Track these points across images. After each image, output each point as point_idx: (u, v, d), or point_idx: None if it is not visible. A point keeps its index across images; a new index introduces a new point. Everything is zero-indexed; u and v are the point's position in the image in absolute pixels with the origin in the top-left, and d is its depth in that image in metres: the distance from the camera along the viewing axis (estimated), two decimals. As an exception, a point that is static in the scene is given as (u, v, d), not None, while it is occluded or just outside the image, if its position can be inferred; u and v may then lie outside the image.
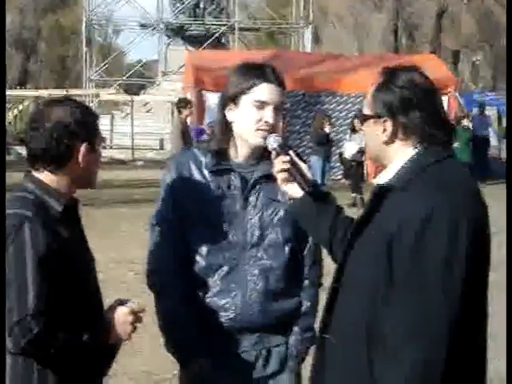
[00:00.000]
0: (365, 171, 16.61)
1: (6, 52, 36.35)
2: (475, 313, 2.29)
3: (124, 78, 34.52)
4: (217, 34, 31.79)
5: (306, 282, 3.03)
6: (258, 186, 2.94)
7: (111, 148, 25.79)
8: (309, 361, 2.61)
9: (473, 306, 2.26)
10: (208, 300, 2.93)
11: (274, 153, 2.73)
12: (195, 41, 31.16)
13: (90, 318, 2.59)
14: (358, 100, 17.84)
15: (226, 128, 2.92)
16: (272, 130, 2.83)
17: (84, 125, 2.62)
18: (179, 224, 2.94)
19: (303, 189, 2.66)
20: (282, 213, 2.93)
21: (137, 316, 2.64)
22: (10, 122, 30.43)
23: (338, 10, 43.78)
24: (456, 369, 2.21)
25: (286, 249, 2.96)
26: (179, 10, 32.65)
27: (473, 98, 27.03)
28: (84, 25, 32.74)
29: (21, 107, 30.59)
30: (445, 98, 17.88)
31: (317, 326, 2.67)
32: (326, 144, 15.53)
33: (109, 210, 14.02)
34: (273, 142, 2.75)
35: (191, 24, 32.65)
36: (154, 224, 3.00)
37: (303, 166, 2.70)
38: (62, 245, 2.55)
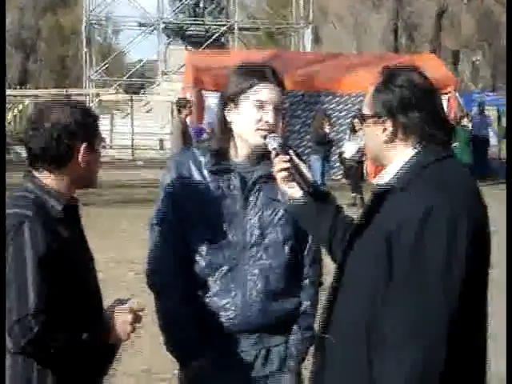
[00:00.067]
0: (364, 171, 16.61)
1: (6, 52, 36.34)
2: (475, 312, 2.29)
3: (124, 78, 34.52)
4: (217, 34, 31.78)
5: (306, 282, 3.03)
6: (257, 186, 2.94)
7: (111, 148, 25.79)
8: (309, 360, 2.61)
9: (472, 306, 2.26)
10: (208, 300, 2.93)
11: (273, 152, 2.73)
12: (195, 41, 31.16)
13: (89, 318, 2.59)
14: (358, 100, 17.83)
15: (225, 128, 2.93)
16: (272, 129, 2.83)
17: (84, 125, 2.62)
18: (179, 224, 2.94)
19: (303, 188, 2.66)
20: (281, 212, 2.93)
21: (136, 316, 2.64)
22: (9, 122, 30.42)
23: (337, 9, 43.77)
24: (456, 369, 2.21)
25: (286, 248, 2.96)
26: (179, 10, 32.65)
27: (472, 98, 27.02)
28: (84, 24, 32.74)
29: (21, 107, 30.58)
30: (445, 98, 17.89)
31: (316, 325, 2.68)
32: (325, 144, 15.53)
33: (109, 209, 14.02)
34: (272, 141, 2.76)
35: (191, 24, 32.64)
36: (153, 224, 3.00)
37: (303, 165, 2.71)
38: (61, 244, 2.55)
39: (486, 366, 2.37)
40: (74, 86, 36.52)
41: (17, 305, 2.43)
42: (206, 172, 2.94)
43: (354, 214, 2.69)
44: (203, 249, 2.92)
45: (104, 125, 24.35)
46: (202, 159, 2.95)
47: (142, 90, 33.82)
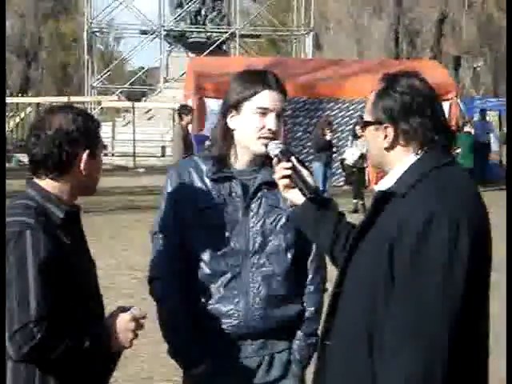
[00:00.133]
0: (366, 177, 16.62)
1: (7, 59, 36.38)
2: (476, 313, 2.29)
3: (126, 85, 34.56)
4: (218, 41, 31.82)
5: (310, 288, 3.02)
6: (259, 193, 2.94)
7: (113, 155, 25.81)
8: (313, 366, 2.61)
9: (474, 307, 2.26)
10: (210, 307, 2.93)
11: (275, 159, 2.73)
12: (196, 48, 31.17)
13: (91, 325, 2.59)
14: (360, 106, 17.86)
15: (227, 135, 2.92)
16: (274, 136, 2.83)
17: (86, 132, 2.62)
18: (181, 232, 2.94)
19: (305, 195, 2.66)
20: (283, 219, 2.93)
21: (138, 323, 2.63)
22: (11, 130, 30.47)
23: (338, 16, 43.84)
24: (457, 369, 2.21)
25: (289, 255, 2.96)
26: (181, 18, 32.70)
27: (474, 105, 27.04)
28: (85, 32, 32.80)
29: (22, 115, 30.62)
30: (446, 105, 17.90)
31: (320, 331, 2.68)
32: (327, 150, 15.52)
33: (110, 216, 14.03)
34: (274, 148, 2.76)
35: (192, 31, 32.69)
36: (155, 232, 3.00)
37: (305, 172, 2.70)
38: (63, 251, 2.55)
39: (488, 367, 2.38)
40: (76, 94, 36.59)
41: (18, 312, 2.43)
42: (207, 180, 2.94)
43: (356, 220, 2.69)
44: (206, 256, 2.92)
45: (105, 132, 24.38)
46: (204, 167, 2.95)
47: (144, 98, 33.86)
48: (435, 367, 2.17)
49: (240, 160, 2.94)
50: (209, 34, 32.61)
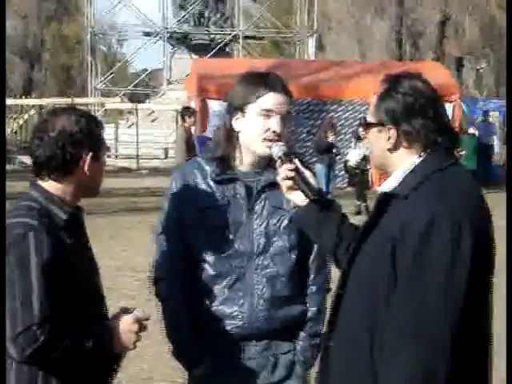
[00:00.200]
0: (369, 179, 16.61)
1: (10, 61, 36.42)
2: (479, 314, 2.29)
3: (129, 87, 34.58)
4: (221, 43, 31.83)
5: (313, 288, 3.03)
6: (263, 195, 2.94)
7: (116, 157, 25.82)
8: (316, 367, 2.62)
9: (477, 307, 2.26)
10: (214, 308, 2.93)
11: (278, 161, 2.74)
12: (199, 50, 31.17)
13: (93, 326, 2.59)
14: (363, 108, 17.85)
15: (231, 136, 2.93)
16: (278, 139, 2.84)
17: (89, 133, 2.62)
18: (184, 232, 2.95)
19: (308, 197, 2.66)
20: (287, 220, 2.93)
21: (141, 325, 2.63)
22: (15, 132, 30.49)
23: (341, 17, 43.84)
24: (460, 370, 2.21)
25: (293, 255, 2.96)
26: (184, 19, 32.70)
27: (477, 106, 27.04)
28: (88, 34, 32.83)
29: (26, 117, 30.63)
30: (449, 106, 17.87)
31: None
32: (328, 152, 15.50)
33: (113, 218, 14.03)
34: (277, 150, 2.76)
35: (196, 33, 32.70)
36: (159, 233, 3.01)
37: (308, 173, 2.70)
38: (66, 253, 2.55)
39: (491, 367, 2.38)
40: (79, 96, 36.61)
41: (21, 314, 2.43)
42: (211, 181, 2.94)
43: (359, 222, 2.69)
44: (210, 258, 2.93)
45: (109, 134, 24.33)
46: (208, 168, 2.96)
47: (147, 99, 33.86)
48: (437, 367, 2.17)
49: (244, 162, 2.95)
50: (212, 35, 32.60)
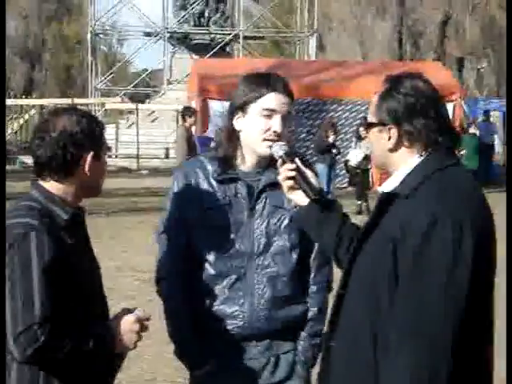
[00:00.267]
0: (370, 179, 16.60)
1: (11, 61, 36.44)
2: (481, 314, 2.29)
3: (129, 87, 34.59)
4: (222, 43, 31.82)
5: (313, 288, 3.02)
6: (264, 195, 2.94)
7: (116, 157, 25.81)
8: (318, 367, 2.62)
9: (478, 307, 2.26)
10: (215, 308, 2.93)
11: (279, 161, 2.74)
12: (200, 49, 31.16)
13: (95, 327, 2.59)
14: (364, 108, 17.84)
15: (232, 136, 2.93)
16: (279, 139, 2.84)
17: (90, 134, 2.62)
18: (186, 232, 2.95)
19: (309, 197, 2.66)
20: (287, 219, 2.94)
21: (143, 325, 2.63)
22: (15, 132, 30.50)
23: (342, 17, 43.83)
24: (461, 370, 2.21)
25: (294, 255, 2.96)
26: (184, 19, 32.69)
27: (478, 106, 27.04)
28: (89, 34, 32.82)
29: (26, 117, 30.64)
30: (450, 106, 17.87)
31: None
32: (329, 152, 15.50)
33: (114, 218, 14.03)
34: (278, 149, 2.76)
35: (196, 33, 32.70)
36: (161, 232, 3.01)
37: (309, 173, 2.71)
38: (67, 253, 2.55)
39: (493, 367, 2.38)
40: (80, 96, 36.62)
41: (22, 313, 2.43)
42: (213, 181, 2.94)
43: (360, 221, 2.69)
44: (211, 258, 2.93)
45: (109, 134, 24.33)
46: (210, 167, 2.96)
47: (148, 99, 33.86)
48: (439, 367, 2.17)
49: (246, 161, 2.95)
50: (212, 35, 32.58)
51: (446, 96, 14.96)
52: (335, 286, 2.56)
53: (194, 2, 32.15)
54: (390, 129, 2.38)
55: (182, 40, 32.83)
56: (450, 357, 2.18)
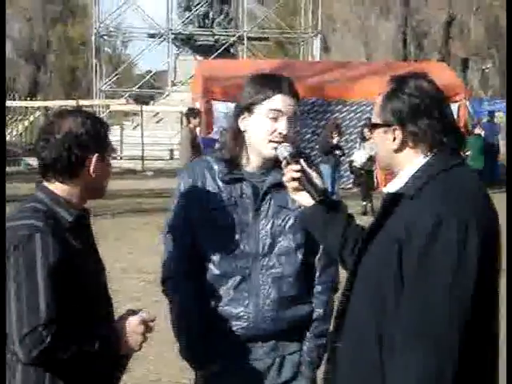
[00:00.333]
0: (375, 179, 16.60)
1: (15, 63, 36.48)
2: (486, 314, 2.28)
3: (134, 88, 34.61)
4: (226, 44, 31.84)
5: (318, 288, 3.02)
6: (269, 195, 2.94)
7: (121, 158, 25.83)
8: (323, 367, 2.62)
9: (483, 307, 2.25)
10: (220, 309, 2.93)
11: (284, 162, 2.74)
12: (204, 51, 31.20)
13: (100, 328, 2.59)
14: (368, 108, 17.83)
15: (238, 137, 2.93)
16: (284, 140, 2.84)
17: (95, 135, 2.63)
18: (192, 232, 2.95)
19: (314, 198, 2.66)
20: (292, 220, 2.94)
21: (148, 326, 2.64)
22: (20, 134, 30.53)
23: (345, 18, 43.81)
24: (467, 371, 2.21)
25: (299, 255, 2.96)
26: (188, 21, 32.72)
27: (482, 106, 27.01)
28: (93, 36, 32.87)
29: (31, 118, 30.67)
30: (455, 107, 17.85)
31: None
32: (333, 153, 15.49)
33: (119, 219, 14.04)
34: (283, 151, 2.77)
35: (200, 34, 32.73)
36: (167, 232, 3.02)
37: (314, 174, 2.71)
38: (72, 255, 2.55)
39: (498, 367, 2.37)
40: (84, 97, 36.64)
41: (27, 315, 2.43)
42: (219, 181, 2.95)
43: (365, 222, 2.69)
44: (216, 258, 2.93)
45: (114, 135, 24.36)
46: (216, 168, 2.96)
47: (152, 101, 33.89)
48: (444, 367, 2.17)
49: (251, 162, 2.95)
50: (216, 37, 32.61)
51: (450, 97, 14.94)
52: (341, 287, 2.56)
53: (198, 4, 32.20)
54: (394, 129, 2.38)
55: (186, 41, 32.87)
56: (456, 357, 2.18)
